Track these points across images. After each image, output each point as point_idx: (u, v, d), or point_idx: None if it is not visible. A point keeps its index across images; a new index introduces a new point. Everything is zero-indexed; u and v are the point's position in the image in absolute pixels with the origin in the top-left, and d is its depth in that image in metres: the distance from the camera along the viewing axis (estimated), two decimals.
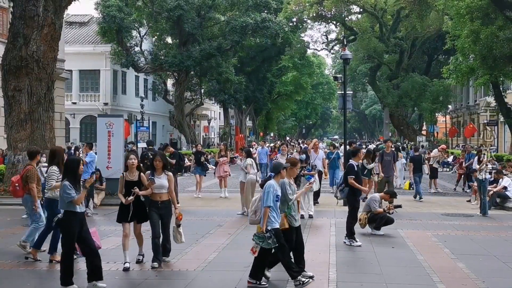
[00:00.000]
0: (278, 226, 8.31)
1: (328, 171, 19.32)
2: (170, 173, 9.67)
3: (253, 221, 8.66)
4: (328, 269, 9.40)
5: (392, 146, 19.95)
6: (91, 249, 8.25)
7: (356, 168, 11.71)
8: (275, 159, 17.00)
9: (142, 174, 9.55)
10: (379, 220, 12.66)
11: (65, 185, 8.03)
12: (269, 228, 8.19)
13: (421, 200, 19.14)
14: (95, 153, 17.76)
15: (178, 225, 9.67)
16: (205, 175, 21.38)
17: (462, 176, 23.32)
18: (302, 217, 14.92)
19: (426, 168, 22.17)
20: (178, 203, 10.52)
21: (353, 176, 11.55)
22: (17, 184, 10.91)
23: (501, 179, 17.84)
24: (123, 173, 9.65)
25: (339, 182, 11.89)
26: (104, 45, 42.36)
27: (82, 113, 44.32)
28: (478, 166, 17.42)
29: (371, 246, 11.33)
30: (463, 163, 23.18)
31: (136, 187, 9.28)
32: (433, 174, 22.91)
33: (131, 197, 9.27)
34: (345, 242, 11.53)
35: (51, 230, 10.05)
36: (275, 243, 8.14)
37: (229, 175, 20.58)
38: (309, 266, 9.70)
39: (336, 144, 27.88)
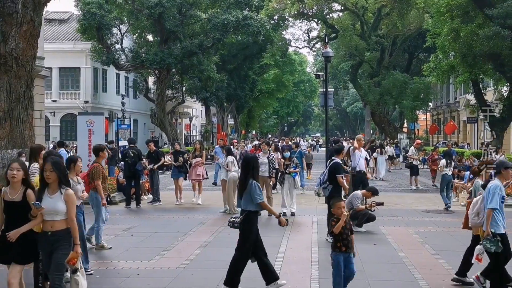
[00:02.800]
0: (503, 231, 7.83)
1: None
2: (70, 191, 6.53)
3: (475, 224, 8.27)
4: (311, 266, 9.43)
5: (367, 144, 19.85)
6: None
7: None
8: (272, 157, 16.94)
9: (29, 191, 6.58)
10: (361, 217, 12.73)
11: None
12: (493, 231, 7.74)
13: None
14: (68, 151, 17.75)
15: (74, 271, 6.61)
16: (185, 178, 18.22)
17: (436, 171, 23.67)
18: (284, 214, 15.00)
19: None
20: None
21: (342, 175, 11.74)
22: (83, 181, 10.89)
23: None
24: (1, 189, 6.70)
25: (322, 179, 11.86)
26: (84, 43, 41.97)
27: (62, 111, 43.92)
28: (444, 162, 17.59)
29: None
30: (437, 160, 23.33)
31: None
32: (414, 171, 23.09)
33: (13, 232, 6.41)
34: (327, 239, 11.56)
35: None
36: (500, 248, 7.70)
37: (205, 178, 18.49)
38: (291, 263, 9.73)
39: (301, 142, 28.21)
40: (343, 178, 11.94)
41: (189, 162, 17.71)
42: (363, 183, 14.73)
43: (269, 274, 8.04)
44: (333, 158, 12.06)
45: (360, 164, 14.99)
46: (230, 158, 16.16)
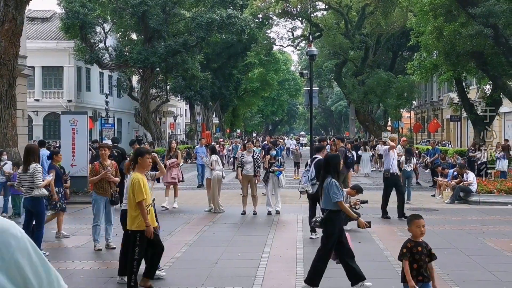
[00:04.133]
0: None
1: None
2: None
3: None
4: (296, 264, 9.42)
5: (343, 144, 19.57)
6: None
7: None
8: (242, 155, 16.88)
9: None
10: (345, 216, 12.72)
11: None
12: None
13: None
14: (49, 150, 17.65)
15: None
16: (158, 181, 15.75)
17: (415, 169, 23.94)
18: (269, 213, 15.01)
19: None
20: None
21: None
22: None
23: (465, 174, 18.14)
24: None
25: (310, 175, 11.92)
26: (68, 41, 41.67)
27: (45, 110, 43.57)
28: (404, 159, 18.29)
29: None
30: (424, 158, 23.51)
31: None
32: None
33: None
34: (311, 238, 11.59)
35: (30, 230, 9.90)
36: None
37: (181, 181, 17.03)
38: (277, 262, 9.72)
39: (286, 140, 28.36)
40: None
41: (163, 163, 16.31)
42: (396, 185, 14.63)
43: (355, 275, 7.88)
44: (315, 156, 12.26)
45: (393, 165, 14.66)
46: (214, 157, 16.11)
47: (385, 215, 14.45)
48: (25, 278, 1.61)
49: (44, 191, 10.15)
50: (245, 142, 22.36)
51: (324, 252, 7.88)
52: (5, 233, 1.62)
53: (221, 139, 40.99)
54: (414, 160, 20.23)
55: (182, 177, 17.25)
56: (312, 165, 12.00)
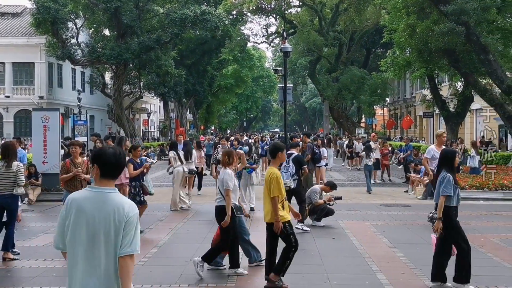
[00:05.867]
0: None
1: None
2: None
3: None
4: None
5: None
6: None
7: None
8: (216, 152, 16.80)
9: None
10: (319, 212, 12.80)
11: None
12: None
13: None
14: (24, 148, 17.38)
15: None
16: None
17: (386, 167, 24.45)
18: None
19: None
20: None
21: (306, 166, 12.67)
22: None
23: None
24: None
25: (290, 171, 12.08)
26: (39, 37, 41.06)
27: (16, 107, 42.92)
28: (365, 154, 20.02)
29: (312, 238, 11.42)
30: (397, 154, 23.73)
31: None
32: (375, 165, 23.37)
33: None
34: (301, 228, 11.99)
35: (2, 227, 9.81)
36: None
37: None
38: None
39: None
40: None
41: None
42: None
43: (464, 273, 7.78)
44: (291, 151, 12.53)
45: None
46: (171, 153, 15.94)
47: None
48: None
49: (23, 190, 10.07)
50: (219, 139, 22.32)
51: (461, 248, 7.81)
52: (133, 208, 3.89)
53: (202, 137, 40.79)
54: (373, 155, 21.64)
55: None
56: (291, 161, 12.10)
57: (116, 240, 3.79)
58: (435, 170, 12.65)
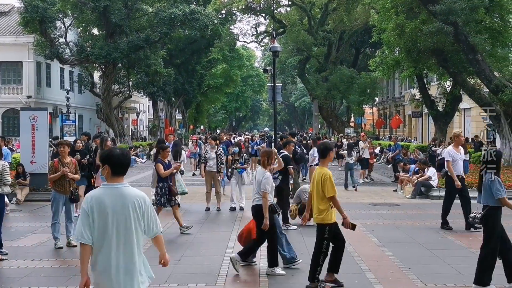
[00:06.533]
0: None
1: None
2: None
3: None
4: (259, 260, 9.40)
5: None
6: None
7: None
8: (205, 151, 16.73)
9: None
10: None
11: None
12: None
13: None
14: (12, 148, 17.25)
15: None
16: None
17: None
18: (232, 209, 14.98)
19: None
20: None
21: (291, 166, 12.70)
22: None
23: (426, 169, 18.41)
24: None
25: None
26: (27, 36, 40.80)
27: (4, 107, 42.61)
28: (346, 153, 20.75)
29: (301, 237, 11.42)
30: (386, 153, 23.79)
31: None
32: (364, 164, 23.42)
33: None
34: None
35: None
36: None
37: None
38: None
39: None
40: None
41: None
42: (461, 190, 12.41)
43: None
44: (281, 151, 12.69)
45: (460, 166, 12.54)
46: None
47: (445, 225, 12.42)
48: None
49: (9, 189, 10.03)
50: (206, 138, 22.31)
51: (488, 249, 7.69)
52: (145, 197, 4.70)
53: (194, 136, 40.67)
54: (355, 153, 22.34)
55: None
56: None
57: (136, 225, 4.70)
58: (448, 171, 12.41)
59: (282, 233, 9.09)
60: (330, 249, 7.94)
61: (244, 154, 16.67)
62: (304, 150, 18.37)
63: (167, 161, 12.34)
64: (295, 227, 12.32)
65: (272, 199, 8.78)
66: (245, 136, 40.28)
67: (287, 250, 9.00)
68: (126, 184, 4.79)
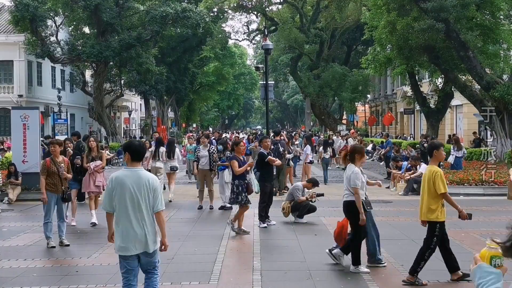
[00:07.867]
0: None
1: None
2: None
3: None
4: (252, 258, 9.41)
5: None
6: None
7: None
8: (197, 150, 16.68)
9: None
10: (302, 209, 12.84)
11: None
12: None
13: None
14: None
15: None
16: (81, 190, 13.66)
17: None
18: (220, 207, 14.98)
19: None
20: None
21: (268, 157, 12.89)
22: None
23: (418, 166, 18.46)
24: None
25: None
26: (17, 35, 40.61)
27: None
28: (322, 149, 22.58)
29: (295, 234, 11.43)
30: (378, 150, 23.83)
31: None
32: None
33: None
34: (259, 226, 12.19)
35: None
36: None
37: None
38: (233, 256, 9.69)
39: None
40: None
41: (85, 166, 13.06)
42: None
43: None
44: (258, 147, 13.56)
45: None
46: (162, 149, 16.45)
47: None
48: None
49: None
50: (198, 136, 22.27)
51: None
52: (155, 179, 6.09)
53: (189, 134, 40.58)
54: (330, 149, 23.95)
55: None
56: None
57: (148, 201, 5.92)
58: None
59: (376, 230, 9.07)
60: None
61: (227, 152, 16.48)
62: (281, 148, 17.98)
63: (241, 158, 12.01)
64: (274, 222, 12.52)
65: (364, 195, 8.77)
66: (235, 135, 40.13)
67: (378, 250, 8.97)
68: (142, 168, 6.14)
